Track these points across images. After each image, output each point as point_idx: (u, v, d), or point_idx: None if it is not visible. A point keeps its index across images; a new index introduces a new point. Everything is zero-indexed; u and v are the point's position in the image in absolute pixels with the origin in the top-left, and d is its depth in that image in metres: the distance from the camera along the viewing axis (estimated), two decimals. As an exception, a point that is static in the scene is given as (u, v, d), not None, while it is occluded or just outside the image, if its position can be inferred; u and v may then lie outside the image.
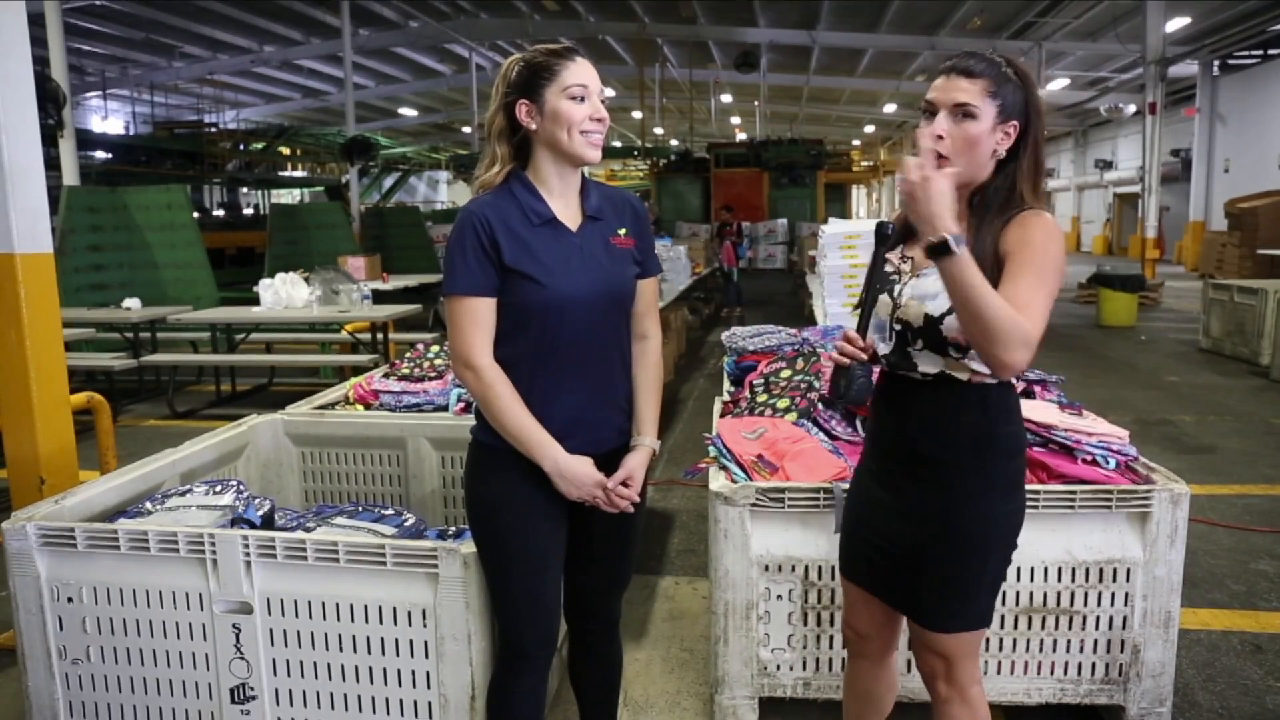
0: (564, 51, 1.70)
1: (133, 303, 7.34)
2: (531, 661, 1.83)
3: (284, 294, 6.86)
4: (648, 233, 1.85)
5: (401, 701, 2.06)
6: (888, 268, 1.69)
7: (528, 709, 1.86)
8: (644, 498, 1.85)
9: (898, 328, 1.63)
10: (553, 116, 1.67)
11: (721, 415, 2.94)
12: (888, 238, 1.67)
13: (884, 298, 1.66)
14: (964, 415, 1.60)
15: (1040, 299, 1.45)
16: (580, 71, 1.68)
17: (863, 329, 1.67)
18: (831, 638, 2.35)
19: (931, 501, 1.63)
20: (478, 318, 1.68)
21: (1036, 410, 2.49)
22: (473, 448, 1.82)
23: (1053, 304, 1.49)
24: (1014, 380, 1.65)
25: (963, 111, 1.53)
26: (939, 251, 1.40)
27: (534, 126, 1.70)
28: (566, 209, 1.75)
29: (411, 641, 2.02)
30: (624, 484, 1.74)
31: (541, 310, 1.69)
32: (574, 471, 1.70)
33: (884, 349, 1.68)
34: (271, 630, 2.07)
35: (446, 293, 1.70)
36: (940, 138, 1.54)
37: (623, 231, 1.79)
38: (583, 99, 1.67)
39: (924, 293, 1.59)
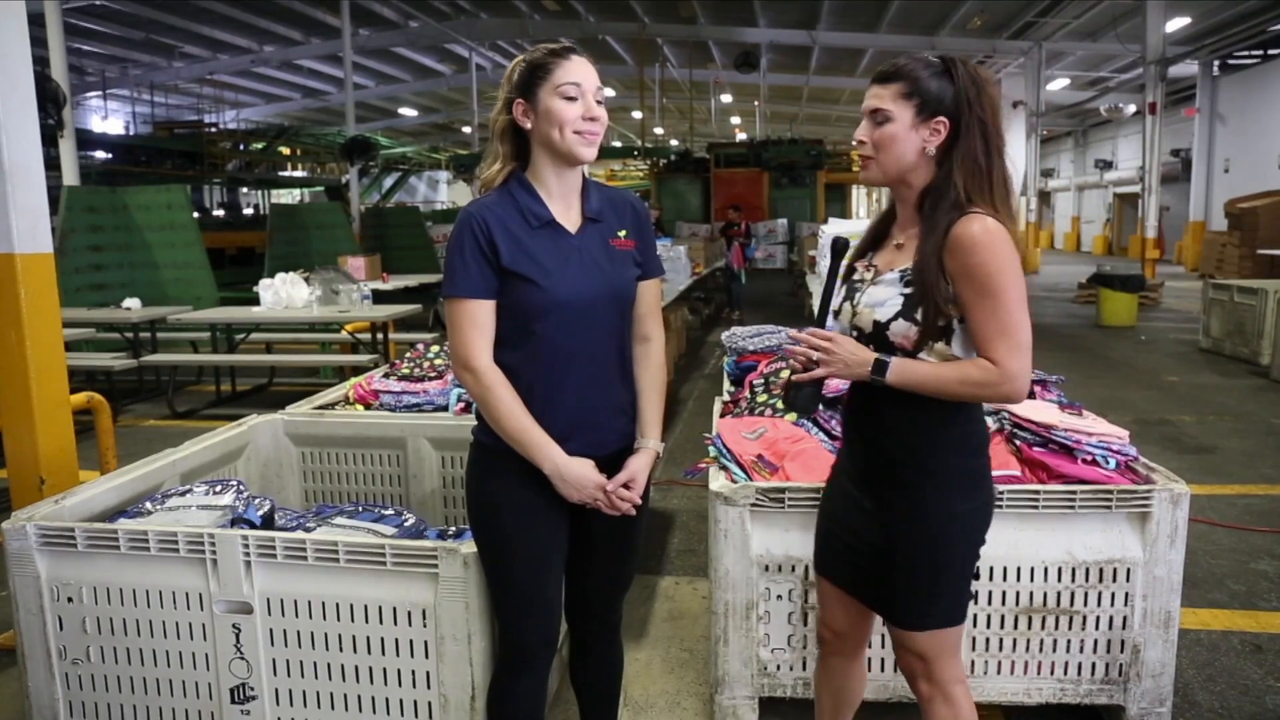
0: (561, 50, 1.69)
1: (133, 303, 7.34)
2: (531, 662, 1.83)
3: (284, 294, 6.86)
4: (649, 234, 1.85)
5: (401, 701, 2.06)
6: (855, 275, 1.77)
7: (527, 709, 1.86)
8: (647, 499, 1.85)
9: (854, 333, 1.70)
10: (545, 115, 1.67)
11: (721, 415, 2.94)
12: (842, 252, 1.76)
13: (847, 305, 1.73)
14: (919, 417, 1.64)
15: (1002, 325, 1.53)
16: (573, 69, 1.67)
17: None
18: (831, 638, 2.35)
19: (897, 502, 1.68)
20: (477, 320, 1.69)
21: (1036, 410, 2.49)
22: (474, 448, 1.82)
23: (1025, 304, 1.54)
24: None
25: (878, 116, 1.63)
26: (880, 381, 1.58)
27: (529, 126, 1.70)
28: (566, 210, 1.75)
29: (411, 641, 2.02)
30: (625, 486, 1.74)
31: (541, 312, 1.69)
32: (574, 474, 1.70)
33: None
34: (271, 630, 2.07)
35: (445, 295, 1.70)
36: (862, 142, 1.67)
37: (623, 233, 1.79)
38: (574, 98, 1.66)
39: (875, 300, 1.66)
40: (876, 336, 1.64)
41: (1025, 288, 1.54)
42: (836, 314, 1.76)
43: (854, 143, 1.70)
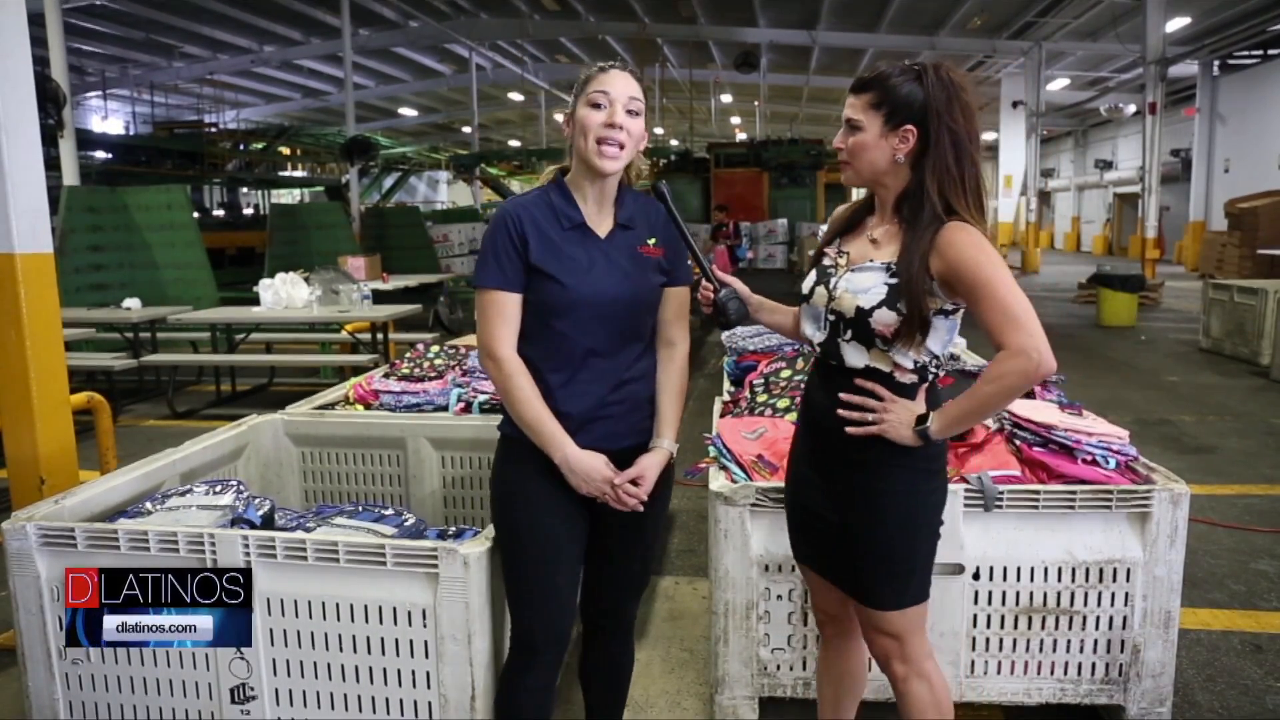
0: (607, 65, 1.78)
1: (133, 303, 7.34)
2: (540, 657, 1.84)
3: (284, 294, 6.86)
4: (679, 243, 1.90)
5: (401, 701, 2.06)
6: (825, 261, 1.82)
7: (534, 705, 1.86)
8: (665, 500, 1.91)
9: (831, 318, 1.74)
10: (577, 123, 1.76)
11: (721, 415, 2.94)
12: (664, 196, 1.84)
13: (820, 289, 1.78)
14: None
15: (1009, 307, 1.57)
16: (606, 80, 1.74)
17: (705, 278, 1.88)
18: (831, 638, 2.35)
19: (861, 484, 1.72)
20: (503, 311, 1.76)
21: (1036, 410, 2.49)
22: (500, 441, 1.89)
23: (1014, 282, 1.61)
24: (935, 372, 1.74)
25: (851, 124, 1.71)
26: (928, 438, 1.66)
27: (568, 133, 1.80)
28: (598, 215, 1.82)
29: (411, 641, 2.02)
30: (634, 483, 1.77)
31: (562, 310, 1.75)
32: (583, 466, 1.75)
33: (818, 337, 1.79)
34: (271, 630, 2.07)
35: (476, 285, 1.79)
36: (839, 148, 1.75)
37: (652, 241, 1.86)
38: (600, 105, 1.73)
39: (858, 287, 1.70)
40: (858, 322, 1.68)
41: (1009, 270, 1.62)
42: (808, 299, 1.80)
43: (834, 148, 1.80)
